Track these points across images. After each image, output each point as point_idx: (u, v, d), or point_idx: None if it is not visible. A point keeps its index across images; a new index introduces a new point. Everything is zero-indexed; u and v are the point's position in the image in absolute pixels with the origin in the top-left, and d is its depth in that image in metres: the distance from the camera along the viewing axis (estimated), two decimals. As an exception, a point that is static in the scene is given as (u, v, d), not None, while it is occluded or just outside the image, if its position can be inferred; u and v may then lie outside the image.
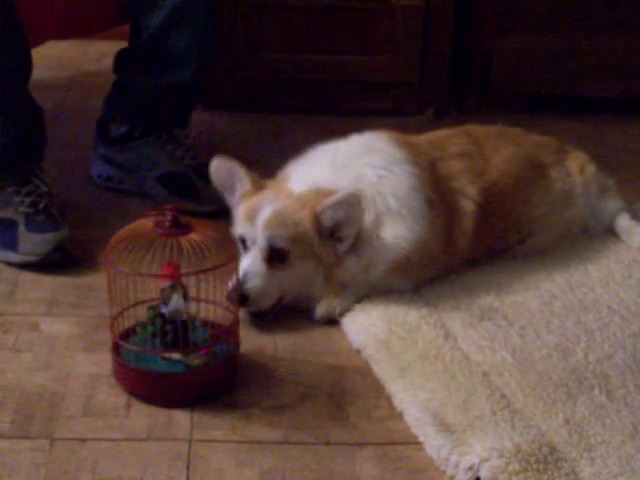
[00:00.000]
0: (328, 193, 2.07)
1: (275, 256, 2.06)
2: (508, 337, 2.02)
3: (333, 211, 2.05)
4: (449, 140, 2.33)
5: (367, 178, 2.14)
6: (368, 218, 2.11)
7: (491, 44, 3.25)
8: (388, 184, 2.15)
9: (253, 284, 2.05)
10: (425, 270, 2.19)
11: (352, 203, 2.05)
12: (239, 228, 2.13)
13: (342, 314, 2.10)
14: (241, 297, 2.00)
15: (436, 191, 2.19)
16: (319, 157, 2.19)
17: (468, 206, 2.23)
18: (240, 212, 2.15)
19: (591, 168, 2.48)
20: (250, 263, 2.07)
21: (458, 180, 2.25)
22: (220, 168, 2.20)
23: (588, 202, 2.45)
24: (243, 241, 2.11)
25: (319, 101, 3.27)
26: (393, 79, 3.26)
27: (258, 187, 2.16)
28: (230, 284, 1.89)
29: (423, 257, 2.16)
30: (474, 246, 2.26)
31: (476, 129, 2.43)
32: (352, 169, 2.15)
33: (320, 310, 2.11)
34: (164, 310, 1.82)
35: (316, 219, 2.06)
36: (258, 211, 2.09)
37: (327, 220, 2.06)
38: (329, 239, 2.08)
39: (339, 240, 2.08)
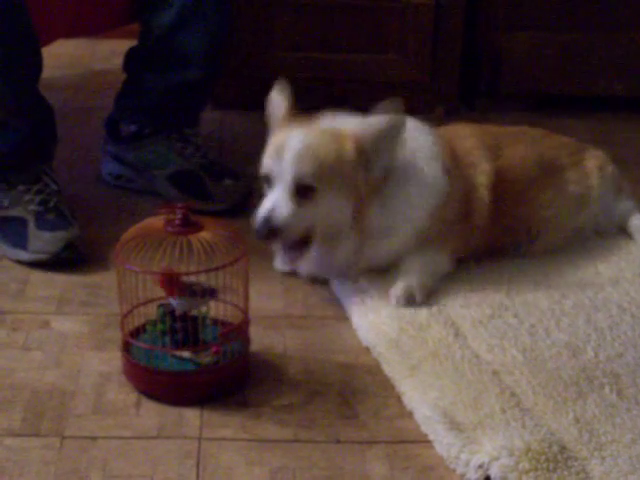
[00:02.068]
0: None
1: (302, 192, 2.05)
2: (518, 336, 2.02)
3: (378, 134, 2.05)
4: (464, 128, 2.36)
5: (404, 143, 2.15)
6: (398, 173, 2.13)
7: (501, 43, 3.24)
8: (417, 153, 2.17)
9: (280, 217, 2.02)
10: (451, 241, 2.21)
11: (397, 126, 2.05)
12: (265, 164, 2.10)
13: (423, 299, 2.11)
14: (269, 232, 2.01)
15: (453, 161, 2.22)
16: (353, 114, 2.17)
17: (483, 179, 2.25)
18: (268, 146, 2.13)
19: (609, 168, 2.47)
20: (276, 198, 2.04)
21: (473, 156, 2.27)
22: (274, 96, 2.23)
23: (604, 204, 2.44)
24: (268, 179, 2.09)
25: (329, 99, 3.25)
26: (403, 78, 3.26)
27: (291, 118, 2.15)
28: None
29: (444, 224, 2.18)
30: (489, 227, 2.26)
31: (496, 128, 2.44)
32: None
33: (398, 294, 2.10)
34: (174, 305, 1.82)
35: (356, 145, 2.05)
36: (286, 144, 2.07)
37: (370, 145, 2.05)
38: (363, 169, 2.07)
39: (374, 168, 2.08)
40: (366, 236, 2.13)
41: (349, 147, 2.05)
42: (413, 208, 2.15)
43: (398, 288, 2.12)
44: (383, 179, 2.11)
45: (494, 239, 2.30)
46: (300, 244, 2.10)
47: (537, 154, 2.39)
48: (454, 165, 2.22)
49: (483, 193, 2.25)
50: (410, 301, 2.10)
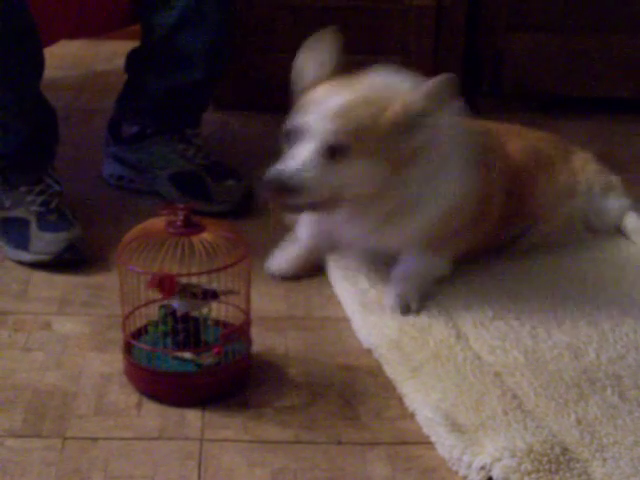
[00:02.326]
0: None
1: (335, 151, 1.92)
2: (520, 337, 2.02)
3: (427, 96, 1.93)
4: (480, 124, 2.32)
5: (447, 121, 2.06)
6: (434, 152, 2.02)
7: (503, 44, 3.24)
8: (457, 134, 2.11)
9: (303, 175, 1.91)
10: (457, 243, 2.18)
11: (447, 85, 1.93)
12: (294, 119, 1.97)
13: (418, 308, 2.09)
14: (281, 185, 1.91)
15: (480, 156, 2.17)
16: (398, 73, 2.08)
17: (499, 181, 2.22)
18: (303, 101, 2.01)
19: (593, 166, 2.47)
20: (305, 154, 1.92)
21: (492, 156, 2.23)
22: (309, 49, 2.10)
23: (589, 200, 2.43)
24: (293, 134, 1.97)
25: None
26: (405, 79, 3.26)
27: (333, 74, 2.03)
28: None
29: (461, 220, 2.14)
30: (496, 228, 2.25)
31: (490, 124, 2.42)
32: None
33: (392, 302, 2.09)
34: (175, 307, 1.82)
35: (404, 106, 1.93)
36: (326, 100, 1.96)
37: (417, 107, 1.93)
38: (403, 133, 1.95)
39: (415, 132, 1.95)
40: (394, 209, 2.04)
41: (393, 111, 1.93)
42: (442, 190, 2.07)
43: (391, 297, 2.10)
44: (421, 151, 1.99)
45: (496, 238, 2.30)
46: (322, 206, 2.00)
47: (530, 146, 2.38)
48: (479, 164, 2.16)
49: (499, 196, 2.22)
50: (406, 310, 2.09)
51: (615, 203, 2.48)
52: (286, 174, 1.92)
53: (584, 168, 2.45)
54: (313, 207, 2.01)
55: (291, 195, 1.93)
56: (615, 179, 2.51)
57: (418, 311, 2.09)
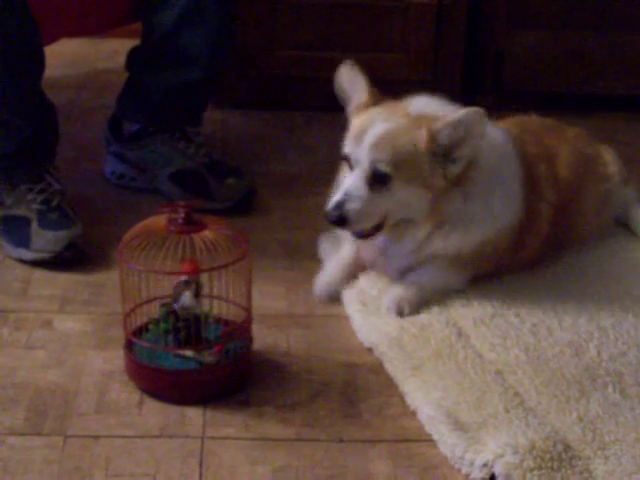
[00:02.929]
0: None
1: (378, 179, 2.01)
2: (521, 335, 2.01)
3: (453, 128, 1.99)
4: (524, 137, 2.29)
5: (496, 142, 2.12)
6: (485, 176, 2.07)
7: (504, 42, 3.24)
8: (506, 158, 2.13)
9: (353, 206, 2.01)
10: (488, 266, 2.18)
11: (475, 120, 1.99)
12: (346, 146, 2.08)
13: (411, 312, 2.08)
14: (340, 218, 2.00)
15: (527, 189, 2.18)
16: (440, 99, 2.14)
17: (546, 211, 2.21)
18: (350, 129, 2.10)
19: (618, 160, 2.47)
20: (352, 184, 2.02)
21: (541, 185, 2.22)
22: (344, 74, 2.17)
23: (618, 195, 2.45)
24: (348, 161, 2.07)
25: (332, 98, 3.26)
26: (406, 77, 3.26)
27: (374, 101, 2.12)
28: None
29: (497, 246, 2.14)
30: (543, 248, 2.25)
31: (529, 122, 2.41)
32: None
33: (389, 306, 2.08)
34: (176, 307, 1.82)
35: (432, 137, 2.00)
36: (367, 129, 2.04)
37: (444, 138, 2.00)
38: (441, 161, 2.02)
39: (453, 161, 2.02)
40: (441, 226, 2.08)
41: (427, 138, 2.00)
42: (495, 209, 2.10)
43: (391, 299, 2.10)
44: (467, 174, 2.05)
45: (538, 258, 2.28)
46: (371, 232, 2.08)
47: (577, 152, 2.37)
48: (527, 193, 2.17)
49: (543, 225, 2.22)
50: (400, 313, 2.08)
51: (627, 197, 2.48)
52: (337, 207, 2.02)
53: (614, 161, 2.46)
54: (375, 231, 2.08)
55: (347, 226, 2.04)
56: (628, 174, 2.51)
57: (408, 315, 2.08)
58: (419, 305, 2.10)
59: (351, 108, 2.15)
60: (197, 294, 1.83)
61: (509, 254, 2.18)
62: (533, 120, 2.44)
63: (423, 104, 2.11)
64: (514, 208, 2.13)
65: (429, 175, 2.02)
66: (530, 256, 2.24)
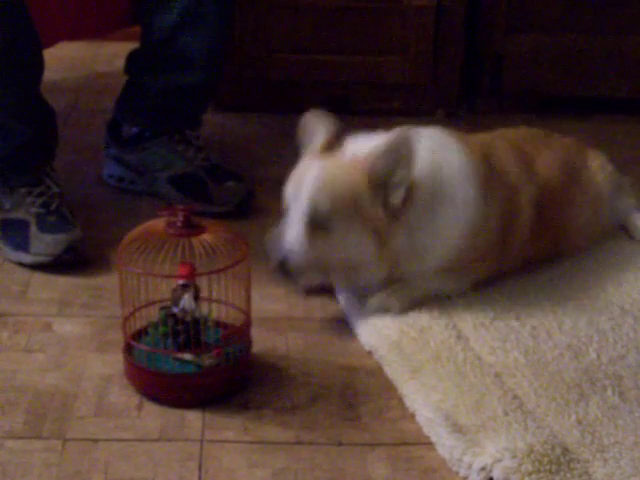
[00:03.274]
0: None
1: (318, 224, 2.01)
2: (520, 338, 2.02)
3: (384, 156, 1.99)
4: (494, 142, 2.28)
5: (425, 160, 2.08)
6: (422, 197, 2.06)
7: (502, 45, 3.24)
8: (444, 170, 2.10)
9: (293, 255, 2.00)
10: (477, 269, 2.16)
11: (403, 142, 1.98)
12: (286, 195, 2.07)
13: (401, 312, 2.08)
14: (284, 271, 2.00)
15: (490, 185, 2.15)
16: (378, 134, 2.12)
17: (525, 206, 2.20)
18: (290, 177, 2.09)
19: (609, 167, 2.47)
20: (293, 235, 2.01)
21: (514, 176, 2.21)
22: (308, 122, 2.15)
23: (610, 202, 2.44)
24: (289, 207, 2.06)
25: (330, 101, 3.26)
26: (404, 80, 3.26)
27: (324, 150, 2.10)
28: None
29: (478, 252, 2.13)
30: (528, 248, 2.24)
31: (509, 133, 2.40)
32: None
33: (374, 302, 2.08)
34: (175, 310, 1.82)
35: (367, 172, 2.00)
36: (304, 178, 2.04)
37: (379, 169, 1.99)
38: (382, 194, 2.01)
39: (392, 191, 2.01)
40: (393, 263, 2.07)
41: (362, 177, 2.00)
42: (443, 232, 2.08)
43: (377, 298, 2.10)
44: (407, 202, 2.04)
45: (525, 260, 2.27)
46: (317, 276, 2.09)
47: (561, 159, 2.36)
48: (492, 187, 2.14)
49: (525, 219, 2.20)
50: (383, 312, 2.08)
51: (624, 202, 2.48)
52: (281, 265, 2.01)
53: (602, 169, 2.45)
54: (324, 275, 2.09)
55: (293, 273, 2.03)
56: (624, 179, 2.51)
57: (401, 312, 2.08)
58: (409, 305, 2.09)
59: (304, 153, 2.14)
60: (196, 297, 1.83)
61: (493, 254, 2.18)
62: (518, 131, 2.44)
63: (357, 149, 2.07)
64: (468, 223, 2.10)
65: (370, 211, 2.01)
66: (515, 256, 2.22)
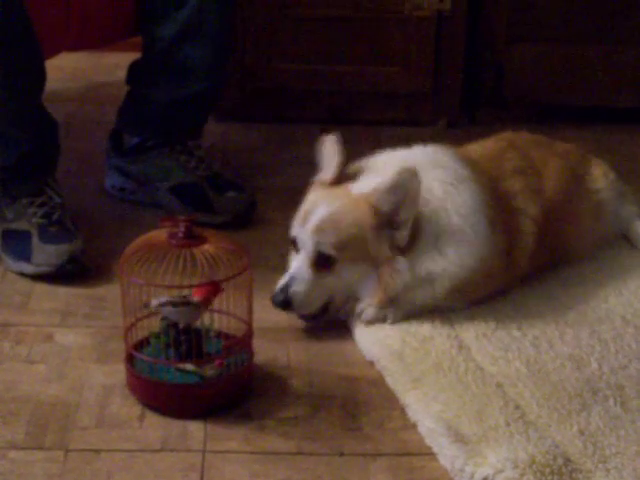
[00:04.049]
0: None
1: (323, 262, 2.04)
2: (522, 348, 2.01)
3: (390, 193, 2.00)
4: (502, 155, 2.28)
5: (434, 192, 2.09)
6: (429, 229, 2.06)
7: (503, 54, 3.24)
8: (453, 201, 2.09)
9: (297, 289, 2.04)
10: (483, 289, 2.16)
11: (409, 178, 1.99)
12: (293, 229, 2.10)
13: (393, 323, 2.08)
14: (284, 301, 2.03)
15: (497, 210, 2.14)
16: (386, 164, 2.13)
17: (530, 227, 2.20)
18: (298, 212, 2.11)
19: (611, 175, 2.47)
20: (297, 267, 2.06)
21: (519, 199, 2.21)
22: (326, 146, 2.15)
23: (612, 210, 2.44)
24: (294, 243, 2.09)
25: (332, 111, 3.27)
26: (405, 89, 3.26)
27: (335, 181, 2.11)
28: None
29: (483, 277, 2.12)
30: (532, 265, 2.23)
31: (516, 138, 2.39)
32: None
33: (370, 312, 2.08)
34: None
35: (372, 209, 2.01)
36: (311, 213, 2.06)
37: (385, 205, 2.01)
38: (387, 229, 2.03)
39: (398, 227, 2.02)
40: (391, 299, 2.07)
41: (369, 213, 2.02)
42: (449, 267, 2.07)
43: (372, 309, 2.09)
44: (412, 238, 2.05)
45: (527, 275, 2.26)
46: (318, 314, 2.10)
47: (565, 167, 2.36)
48: (498, 215, 2.14)
49: (529, 242, 2.20)
50: (381, 320, 2.09)
51: (626, 211, 2.48)
52: (282, 291, 2.05)
53: (605, 177, 2.45)
54: (322, 313, 2.10)
55: (293, 309, 2.06)
56: (627, 188, 2.51)
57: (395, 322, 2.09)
58: (404, 316, 2.09)
59: (315, 181, 2.15)
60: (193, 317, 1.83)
61: (499, 275, 2.17)
62: (523, 136, 2.43)
63: (364, 184, 2.08)
64: (476, 256, 2.09)
65: (375, 250, 2.04)
66: (520, 271, 2.22)
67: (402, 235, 2.04)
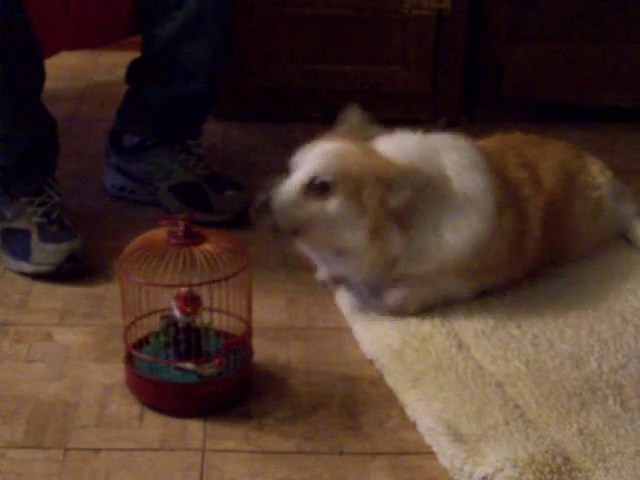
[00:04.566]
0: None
1: (315, 186, 2.00)
2: (521, 347, 2.02)
3: (400, 185, 2.00)
4: (504, 151, 2.29)
5: (447, 171, 2.10)
6: (432, 206, 2.06)
7: (503, 54, 3.24)
8: (464, 184, 2.10)
9: (281, 198, 2.00)
10: (488, 277, 2.17)
11: (419, 182, 2.01)
12: (292, 160, 2.07)
13: (415, 312, 2.09)
14: (264, 203, 1.99)
15: (507, 197, 2.15)
16: (405, 139, 2.14)
17: (536, 213, 2.21)
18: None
19: (608, 173, 2.47)
20: (289, 183, 2.02)
21: (526, 188, 2.22)
22: (348, 114, 2.17)
23: (611, 207, 2.44)
24: (293, 166, 2.06)
25: (331, 111, 3.24)
26: (405, 89, 3.26)
27: (347, 135, 2.11)
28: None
29: (487, 262, 2.12)
30: (539, 255, 2.24)
31: (508, 139, 2.41)
32: (435, 159, 2.11)
33: (392, 298, 2.09)
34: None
35: (381, 171, 2.01)
36: (318, 146, 2.05)
37: (391, 179, 2.00)
38: (387, 192, 2.01)
39: (396, 195, 2.02)
40: (384, 260, 2.07)
41: (376, 168, 2.01)
42: (447, 239, 2.08)
43: (394, 297, 2.10)
44: (410, 206, 2.04)
45: (534, 267, 2.27)
46: (292, 235, 2.06)
47: (561, 164, 2.37)
48: (509, 201, 2.15)
49: (535, 229, 2.20)
50: (404, 312, 2.09)
51: (625, 209, 2.48)
52: (269, 196, 2.00)
53: (602, 173, 2.45)
54: (291, 232, 2.06)
55: (270, 215, 2.01)
56: (626, 187, 2.51)
57: (414, 313, 2.09)
58: (425, 307, 2.10)
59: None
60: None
61: (508, 262, 2.18)
62: (516, 136, 2.44)
63: (383, 147, 2.09)
64: (477, 234, 2.09)
65: (371, 199, 2.00)
66: (528, 263, 2.23)
67: (395, 199, 2.01)
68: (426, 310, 2.11)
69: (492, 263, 2.14)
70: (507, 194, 2.16)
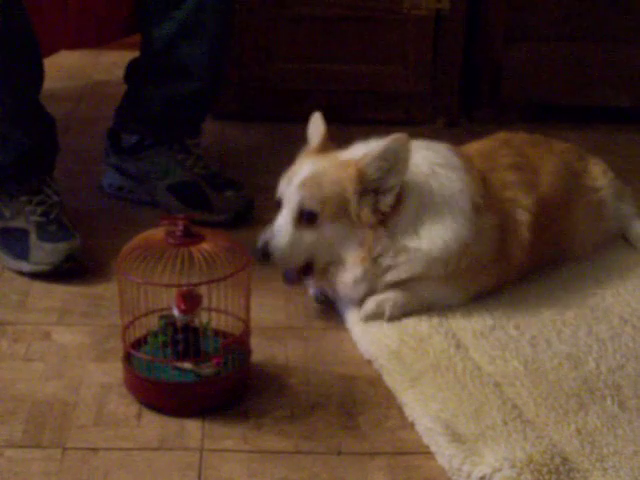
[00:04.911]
0: None
1: (305, 218, 2.05)
2: (519, 347, 2.02)
3: (380, 159, 2.03)
4: (497, 151, 2.30)
5: (421, 168, 2.12)
6: (410, 205, 2.08)
7: (501, 54, 3.25)
8: (438, 181, 2.12)
9: (278, 241, 2.05)
10: (476, 280, 2.16)
11: (400, 145, 2.02)
12: (278, 189, 2.12)
13: (391, 319, 2.09)
14: (264, 252, 2.04)
15: (487, 199, 2.15)
16: (380, 140, 2.12)
17: (523, 216, 2.20)
18: (289, 170, 2.14)
19: (609, 174, 2.47)
20: (280, 222, 2.07)
21: (512, 190, 2.22)
22: (312, 123, 2.22)
23: (612, 208, 2.44)
24: (279, 203, 2.10)
25: (330, 111, 3.24)
26: (404, 89, 3.27)
27: (321, 150, 2.15)
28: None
29: (471, 264, 2.12)
30: (530, 258, 2.23)
31: (512, 138, 2.41)
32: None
33: (369, 307, 2.09)
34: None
35: (360, 174, 2.04)
36: (297, 173, 2.09)
37: (372, 170, 2.03)
38: (372, 197, 2.05)
39: (383, 193, 2.04)
40: (372, 264, 2.08)
41: (354, 175, 2.04)
42: (427, 243, 2.08)
43: (371, 301, 2.10)
44: (395, 209, 2.06)
45: (526, 270, 2.27)
46: (301, 270, 2.11)
47: (563, 165, 2.37)
48: (487, 201, 2.15)
49: (523, 232, 2.20)
50: (378, 315, 2.09)
51: (624, 210, 2.48)
52: (265, 244, 2.06)
53: (604, 175, 2.45)
54: (304, 273, 2.12)
55: (275, 262, 2.07)
56: (625, 187, 2.51)
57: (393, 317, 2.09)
58: (404, 310, 2.10)
59: (302, 153, 2.19)
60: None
61: (493, 266, 2.18)
62: (520, 136, 2.44)
63: (356, 151, 2.12)
64: (457, 238, 2.09)
65: (356, 213, 2.05)
66: (517, 266, 2.23)
67: (386, 201, 2.05)
68: (404, 315, 2.11)
69: (474, 266, 2.13)
70: (487, 195, 2.16)
